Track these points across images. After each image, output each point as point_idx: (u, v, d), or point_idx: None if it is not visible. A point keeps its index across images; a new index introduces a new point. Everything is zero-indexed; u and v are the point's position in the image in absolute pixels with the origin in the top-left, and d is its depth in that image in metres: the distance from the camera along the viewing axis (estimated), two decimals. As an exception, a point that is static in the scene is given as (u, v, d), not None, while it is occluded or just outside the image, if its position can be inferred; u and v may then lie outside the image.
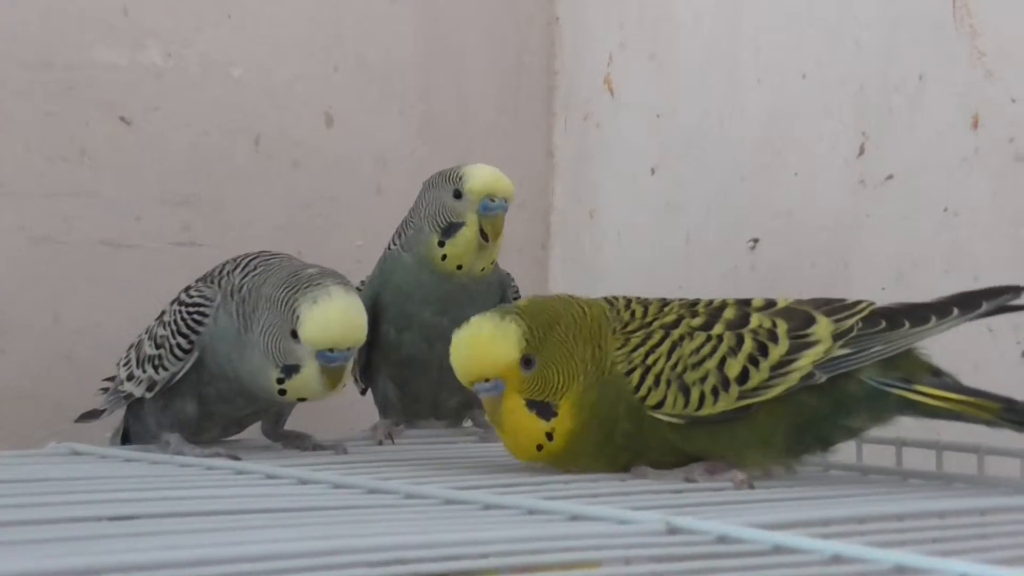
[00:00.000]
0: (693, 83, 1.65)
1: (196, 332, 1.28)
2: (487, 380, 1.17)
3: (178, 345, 1.29)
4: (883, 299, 1.23)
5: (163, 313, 1.34)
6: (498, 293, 1.42)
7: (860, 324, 1.15)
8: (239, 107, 1.62)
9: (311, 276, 1.23)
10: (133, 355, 1.34)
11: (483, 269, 1.38)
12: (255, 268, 1.28)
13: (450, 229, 1.37)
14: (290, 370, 1.23)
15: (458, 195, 1.37)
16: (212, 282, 1.30)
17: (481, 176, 1.37)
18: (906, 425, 1.23)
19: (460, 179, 1.37)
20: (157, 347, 1.30)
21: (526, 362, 1.17)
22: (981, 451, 1.20)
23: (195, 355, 1.28)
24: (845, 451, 1.27)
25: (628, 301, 1.21)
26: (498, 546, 0.87)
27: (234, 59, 1.62)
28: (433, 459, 1.26)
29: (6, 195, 1.52)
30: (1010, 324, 1.36)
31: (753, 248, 1.58)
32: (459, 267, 1.37)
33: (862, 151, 1.48)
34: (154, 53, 1.58)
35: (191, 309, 1.29)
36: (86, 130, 1.55)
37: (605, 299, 1.22)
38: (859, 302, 1.18)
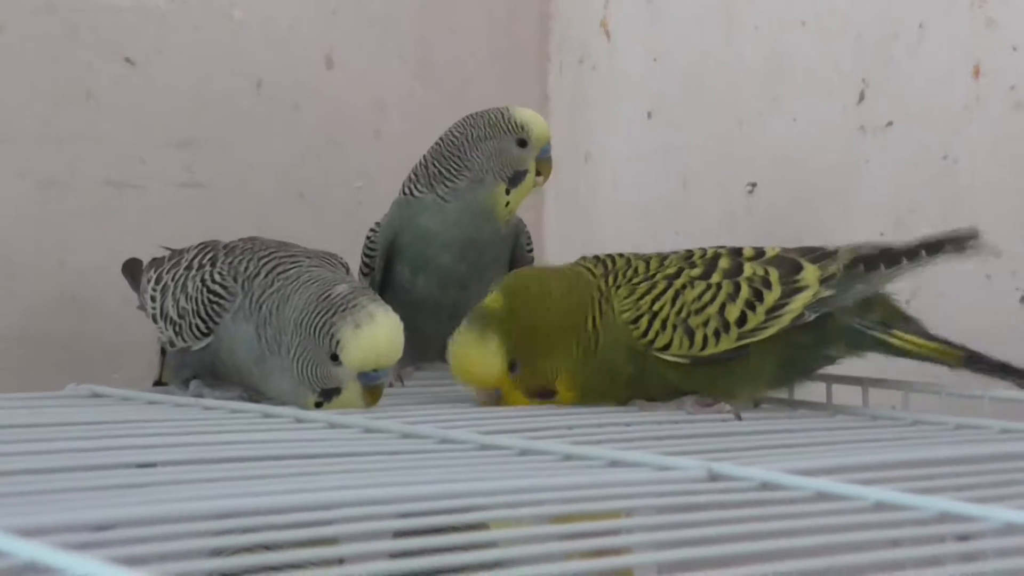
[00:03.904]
0: (690, 28, 1.64)
1: (214, 321, 1.26)
2: (483, 390, 1.26)
3: (196, 326, 1.27)
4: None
5: (189, 272, 1.30)
6: (513, 238, 1.42)
7: (842, 269, 1.24)
8: (241, 49, 1.60)
9: (344, 297, 1.21)
10: (159, 299, 1.32)
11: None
12: (272, 282, 1.25)
13: (516, 177, 1.39)
14: (329, 393, 1.21)
15: (523, 144, 1.39)
16: (234, 275, 1.27)
17: (540, 122, 1.40)
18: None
19: (523, 128, 1.39)
20: (179, 316, 1.29)
21: (512, 366, 1.25)
22: (985, 399, 1.21)
23: (211, 339, 1.27)
24: (851, 396, 1.28)
25: (628, 259, 1.28)
26: (543, 494, 0.87)
27: (235, 1, 1.60)
28: (457, 401, 1.26)
29: (11, 140, 1.50)
30: (1008, 271, 1.36)
31: (751, 192, 1.58)
32: (510, 211, 1.40)
33: (862, 98, 1.48)
34: (157, -6, 1.56)
35: (212, 297, 1.27)
36: (91, 72, 1.53)
37: (596, 258, 1.29)
38: (839, 248, 1.26)
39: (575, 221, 1.76)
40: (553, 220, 1.78)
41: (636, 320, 1.24)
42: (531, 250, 1.45)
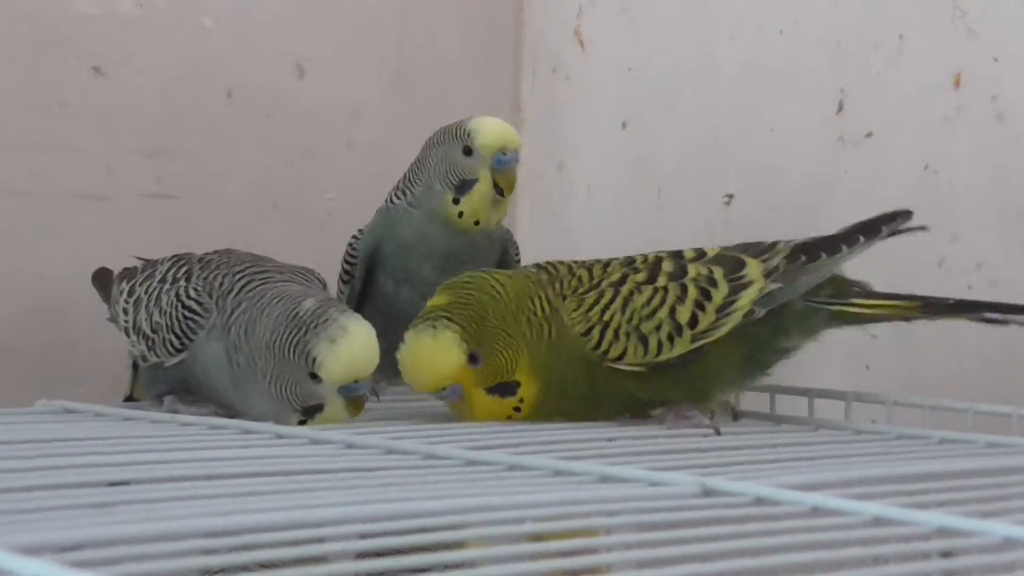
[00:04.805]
0: (665, 37, 1.64)
1: (188, 338, 1.26)
2: (444, 388, 1.24)
3: (170, 342, 1.26)
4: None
5: (163, 286, 1.29)
6: (499, 250, 1.41)
7: (784, 262, 1.26)
8: (211, 57, 1.60)
9: (313, 313, 1.20)
10: (131, 312, 1.31)
11: (498, 221, 1.39)
12: (240, 303, 1.24)
13: (463, 186, 1.36)
14: (312, 411, 1.20)
15: (468, 152, 1.35)
16: (209, 290, 1.26)
17: (491, 130, 1.35)
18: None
19: (469, 135, 1.35)
20: (152, 331, 1.28)
21: (472, 359, 1.23)
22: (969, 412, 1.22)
23: (185, 355, 1.26)
24: (832, 410, 1.29)
25: (569, 267, 1.28)
26: (535, 510, 0.86)
27: (205, 7, 1.59)
28: (440, 416, 1.25)
29: (-22, 148, 1.49)
30: (988, 280, 1.37)
31: (728, 204, 1.58)
32: (476, 223, 1.36)
33: (841, 108, 1.48)
34: (126, 1, 1.55)
35: (186, 313, 1.26)
36: (58, 81, 1.52)
37: (538, 266, 1.28)
38: (778, 242, 1.28)
39: (549, 231, 1.76)
40: (527, 230, 1.78)
41: (588, 332, 1.23)
42: (519, 260, 1.44)
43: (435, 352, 1.22)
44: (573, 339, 1.23)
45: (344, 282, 1.42)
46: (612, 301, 1.24)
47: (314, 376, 1.19)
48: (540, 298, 1.24)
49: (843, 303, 1.27)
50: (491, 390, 1.23)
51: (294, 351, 1.19)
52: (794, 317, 1.26)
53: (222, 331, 1.24)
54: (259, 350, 1.21)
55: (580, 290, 1.25)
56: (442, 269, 1.36)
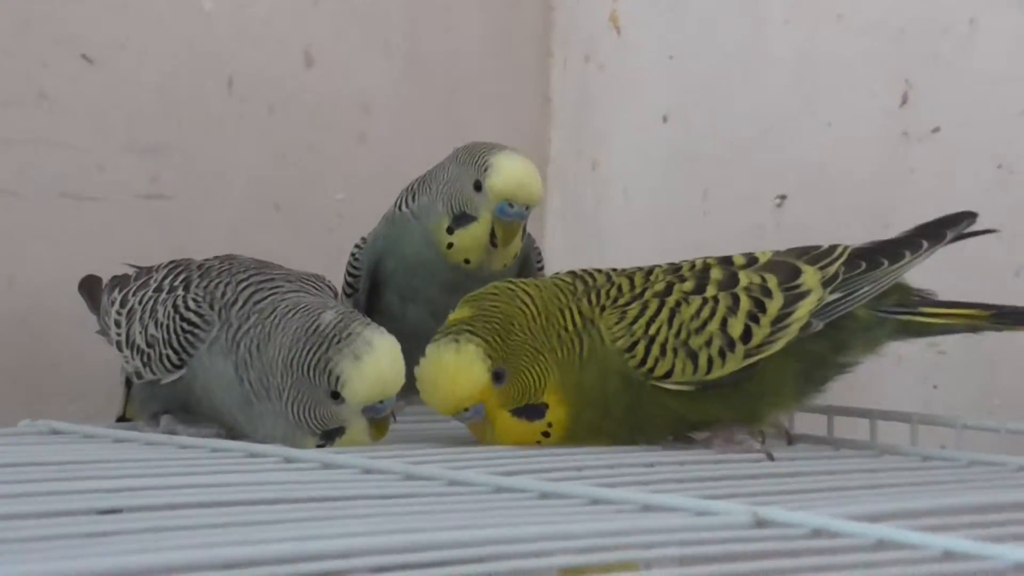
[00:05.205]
0: (711, 22, 1.64)
1: (188, 352, 1.26)
2: (466, 409, 1.24)
3: (167, 357, 1.27)
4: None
5: (159, 295, 1.30)
6: (518, 265, 1.40)
7: (843, 269, 1.26)
8: (211, 45, 1.60)
9: (335, 326, 1.20)
10: (124, 325, 1.31)
11: (503, 266, 1.37)
12: (248, 316, 1.24)
13: (461, 219, 1.35)
14: (332, 434, 1.21)
15: (478, 187, 1.34)
16: (210, 301, 1.26)
17: (508, 174, 1.32)
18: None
19: (485, 170, 1.33)
20: (148, 345, 1.28)
21: (497, 377, 1.23)
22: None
23: (184, 371, 1.27)
24: (897, 434, 1.29)
25: (607, 275, 1.27)
26: (572, 542, 0.87)
27: (205, -10, 1.61)
28: (463, 438, 1.26)
29: (-46, 144, 1.50)
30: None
31: (780, 206, 1.58)
32: (466, 261, 1.35)
33: (905, 100, 1.49)
34: (118, -17, 1.57)
35: (185, 326, 1.26)
36: (44, 70, 1.53)
37: (572, 274, 1.28)
38: (835, 247, 1.28)
39: (580, 237, 1.77)
40: (555, 236, 1.79)
41: (631, 348, 1.23)
42: (541, 268, 1.44)
43: (458, 369, 1.22)
44: (613, 355, 1.23)
45: (347, 295, 1.41)
46: (658, 313, 1.23)
47: (336, 396, 1.20)
48: (572, 311, 1.25)
49: (911, 312, 1.27)
50: (517, 412, 1.24)
51: (314, 369, 1.20)
52: (856, 329, 1.26)
53: (228, 346, 1.24)
54: (273, 368, 1.22)
55: (620, 301, 1.25)
56: (451, 291, 1.34)
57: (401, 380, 1.21)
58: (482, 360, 1.23)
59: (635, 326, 1.23)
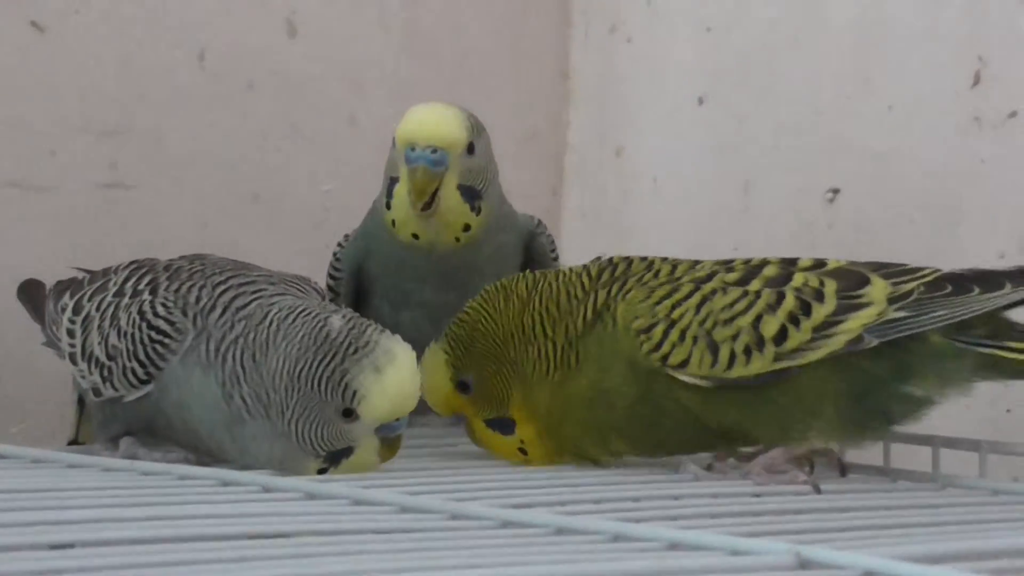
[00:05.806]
0: (755, -11, 1.66)
1: (156, 366, 1.27)
2: (452, 415, 1.32)
3: (132, 370, 1.28)
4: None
5: (120, 300, 1.31)
6: (516, 255, 1.42)
7: (922, 288, 1.25)
8: (179, 12, 1.61)
9: (348, 333, 1.22)
10: (79, 335, 1.32)
11: (457, 239, 1.37)
12: (232, 324, 1.25)
13: (391, 186, 1.37)
14: (337, 456, 1.23)
15: (394, 142, 1.36)
16: (183, 306, 1.27)
17: (407, 116, 1.35)
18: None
19: (400, 122, 1.36)
20: (109, 357, 1.29)
21: (463, 386, 1.31)
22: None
23: (151, 387, 1.28)
24: (962, 464, 1.30)
25: (650, 263, 1.30)
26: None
27: (174, -51, 1.62)
28: (468, 463, 1.29)
29: None
30: None
31: (832, 200, 1.59)
32: (415, 236, 1.37)
33: (977, 80, 1.50)
34: (72, -60, 1.58)
35: (153, 335, 1.27)
36: (-13, 39, 1.55)
37: (610, 260, 1.32)
38: (924, 268, 1.28)
39: (603, 233, 1.77)
40: (574, 230, 1.79)
41: (649, 329, 1.26)
42: (556, 258, 1.46)
43: (425, 376, 1.28)
44: (625, 338, 1.26)
45: (330, 301, 1.42)
46: (688, 297, 1.26)
47: (348, 413, 1.21)
48: (578, 311, 1.28)
49: (996, 346, 1.26)
50: (490, 424, 1.30)
51: (326, 383, 1.21)
52: (926, 356, 1.26)
53: (208, 357, 1.25)
54: (275, 382, 1.23)
55: (653, 283, 1.28)
56: (446, 289, 1.37)
57: (418, 395, 1.23)
58: (443, 369, 1.30)
59: (659, 307, 1.26)
